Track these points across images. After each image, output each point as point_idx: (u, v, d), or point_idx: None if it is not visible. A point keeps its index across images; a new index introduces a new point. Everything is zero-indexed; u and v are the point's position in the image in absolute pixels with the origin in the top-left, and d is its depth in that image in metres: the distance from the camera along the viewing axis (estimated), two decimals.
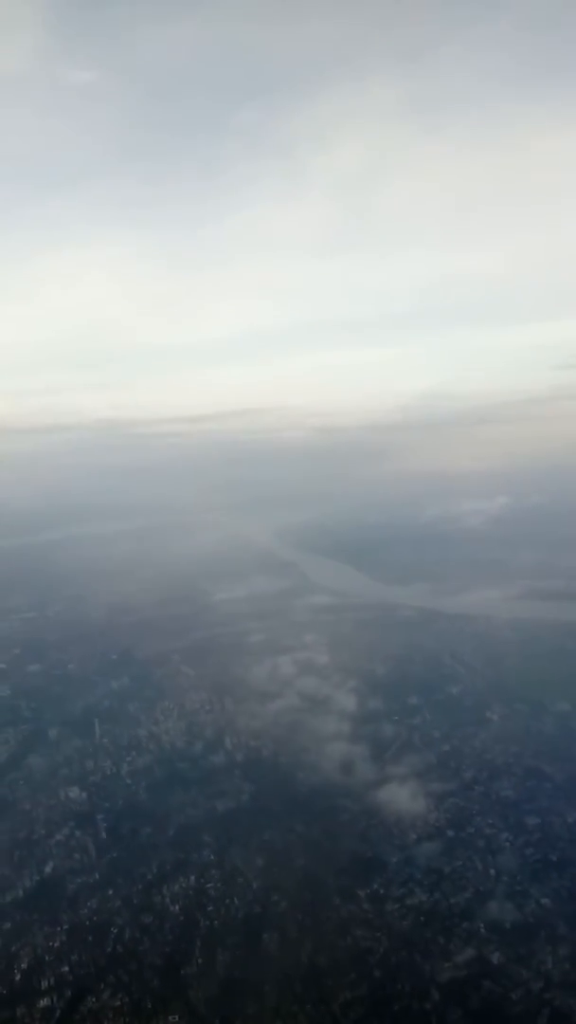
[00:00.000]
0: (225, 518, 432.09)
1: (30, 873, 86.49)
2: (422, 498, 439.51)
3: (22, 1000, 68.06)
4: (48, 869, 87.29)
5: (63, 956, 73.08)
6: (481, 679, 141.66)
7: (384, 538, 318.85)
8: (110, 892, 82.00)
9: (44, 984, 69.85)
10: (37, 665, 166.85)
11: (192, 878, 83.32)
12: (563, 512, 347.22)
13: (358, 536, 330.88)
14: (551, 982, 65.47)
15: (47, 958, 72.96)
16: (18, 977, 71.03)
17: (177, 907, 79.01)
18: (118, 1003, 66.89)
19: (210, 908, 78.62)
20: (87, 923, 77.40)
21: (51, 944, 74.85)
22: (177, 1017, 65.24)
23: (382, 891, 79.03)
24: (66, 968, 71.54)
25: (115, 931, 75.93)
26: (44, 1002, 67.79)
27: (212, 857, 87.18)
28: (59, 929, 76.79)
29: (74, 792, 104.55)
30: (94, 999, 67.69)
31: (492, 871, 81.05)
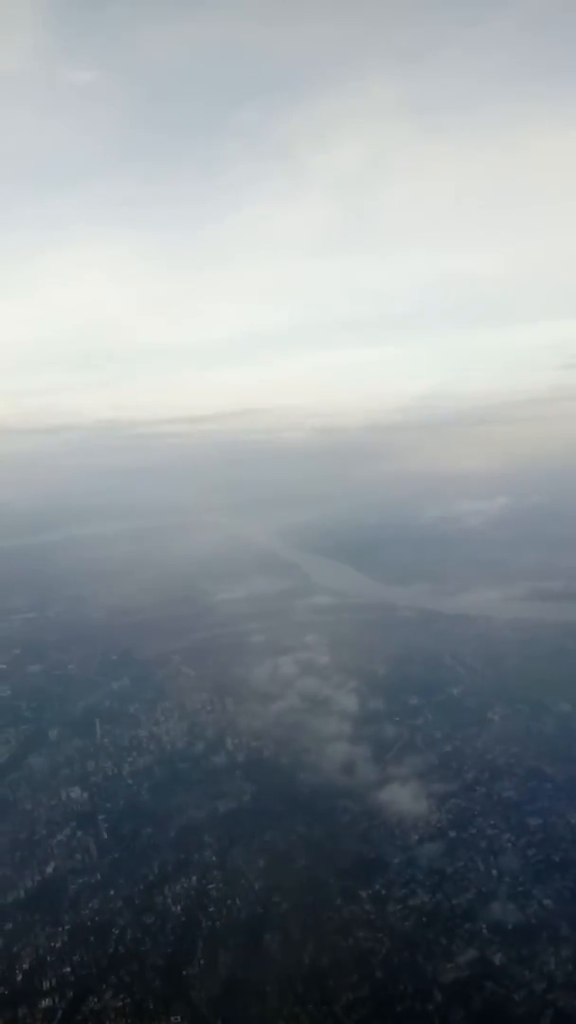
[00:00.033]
0: (225, 518, 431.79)
1: (31, 873, 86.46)
2: (422, 498, 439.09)
3: (24, 1000, 68.03)
4: (49, 869, 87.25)
5: (65, 956, 73.06)
6: (482, 680, 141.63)
7: (384, 538, 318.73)
8: (112, 892, 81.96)
9: (46, 985, 69.84)
10: (38, 665, 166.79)
11: (194, 879, 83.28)
12: (563, 512, 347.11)
13: (358, 536, 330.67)
14: (554, 983, 65.45)
15: (49, 958, 72.95)
16: (20, 978, 71.02)
17: (179, 908, 78.97)
18: (120, 1004, 66.86)
19: (212, 909, 78.58)
20: (89, 923, 77.37)
21: (53, 944, 74.82)
22: (179, 1018, 65.24)
23: (384, 892, 78.96)
24: (68, 969, 71.52)
25: (117, 931, 75.88)
26: (46, 1003, 67.77)
27: (214, 858, 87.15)
28: (61, 929, 76.78)
29: (75, 792, 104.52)
30: (96, 1000, 67.66)
31: (494, 872, 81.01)
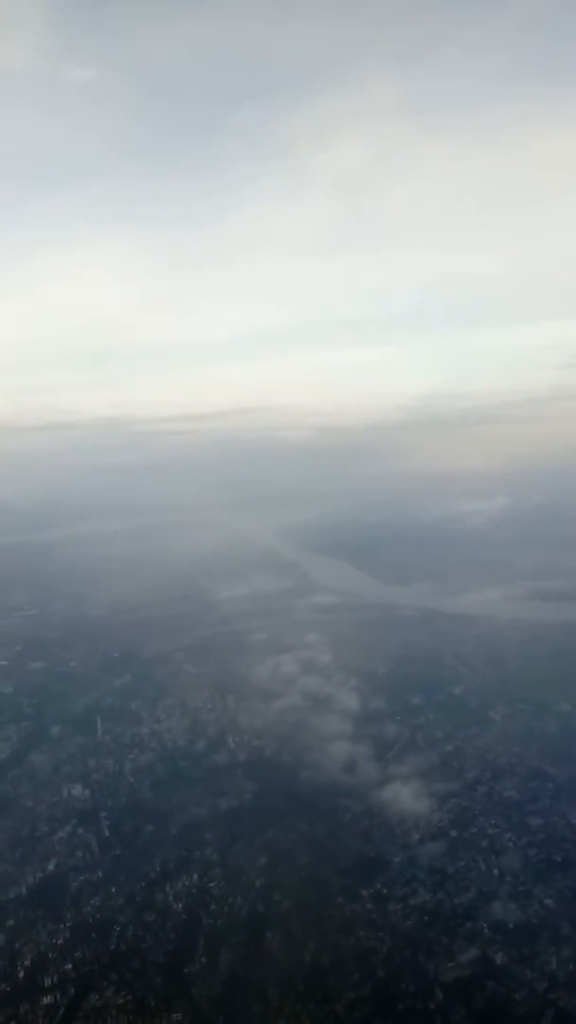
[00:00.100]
0: (226, 517, 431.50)
1: (33, 870, 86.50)
2: (423, 498, 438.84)
3: (25, 997, 68.08)
4: (51, 866, 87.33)
5: (66, 953, 73.15)
6: (483, 679, 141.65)
7: (385, 537, 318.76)
8: (113, 890, 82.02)
9: (47, 981, 69.91)
10: (39, 662, 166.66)
11: (195, 876, 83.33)
12: (564, 512, 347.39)
13: (359, 535, 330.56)
14: (555, 983, 65.55)
15: (50, 955, 73.02)
16: (21, 974, 71.06)
17: (180, 905, 79.03)
18: (121, 1001, 66.91)
19: (213, 907, 78.64)
20: (90, 921, 77.44)
21: (54, 941, 74.90)
22: (180, 1015, 65.27)
23: (385, 891, 79.00)
24: (69, 965, 71.60)
25: (118, 929, 75.97)
26: (47, 999, 67.85)
27: (215, 856, 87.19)
28: (62, 926, 76.83)
29: (77, 790, 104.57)
30: (97, 997, 67.75)
31: (495, 871, 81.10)
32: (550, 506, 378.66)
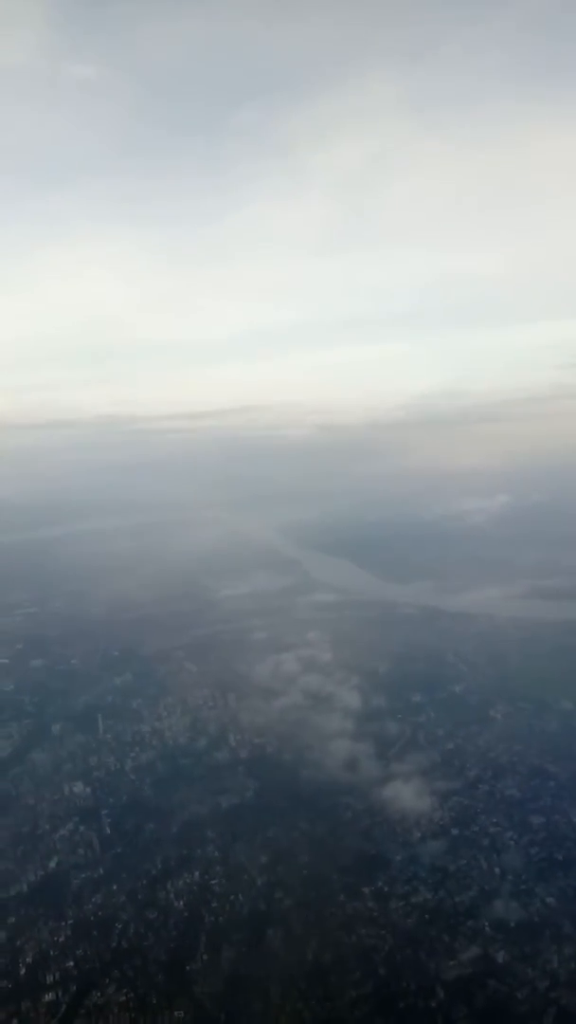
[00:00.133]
0: (226, 515, 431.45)
1: (34, 868, 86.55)
2: (424, 496, 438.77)
3: (27, 995, 68.13)
4: (52, 864, 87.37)
5: (68, 951, 73.21)
6: (484, 677, 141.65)
7: (386, 536, 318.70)
8: (114, 887, 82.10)
9: (49, 979, 69.95)
10: (40, 660, 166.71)
11: (196, 874, 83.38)
12: (564, 511, 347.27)
13: (360, 534, 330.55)
14: (557, 981, 65.58)
15: (52, 953, 73.08)
16: (23, 972, 71.10)
17: (181, 903, 79.07)
18: (123, 998, 66.99)
19: (214, 904, 78.68)
20: (92, 918, 77.51)
21: (56, 939, 74.94)
22: (182, 1013, 65.36)
23: (387, 889, 79.04)
24: (71, 963, 71.67)
25: (120, 926, 76.04)
26: (49, 997, 67.92)
27: (216, 853, 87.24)
28: (64, 924, 76.90)
29: (78, 787, 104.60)
30: (99, 994, 67.81)
31: (497, 870, 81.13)
32: (550, 504, 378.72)
